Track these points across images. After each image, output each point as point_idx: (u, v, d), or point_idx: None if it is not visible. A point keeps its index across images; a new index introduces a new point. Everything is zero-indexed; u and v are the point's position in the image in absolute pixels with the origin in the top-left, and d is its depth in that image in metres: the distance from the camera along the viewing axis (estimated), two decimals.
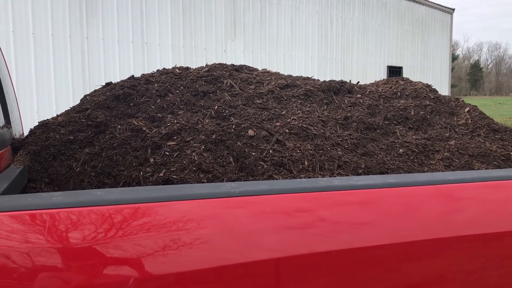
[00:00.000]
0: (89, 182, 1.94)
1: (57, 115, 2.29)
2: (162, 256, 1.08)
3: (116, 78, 2.69)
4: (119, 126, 2.12)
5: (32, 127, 2.20)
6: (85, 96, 2.41)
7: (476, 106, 2.78)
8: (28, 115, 6.37)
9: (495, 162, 2.28)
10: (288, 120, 2.25)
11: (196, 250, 1.11)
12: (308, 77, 2.89)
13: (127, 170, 1.94)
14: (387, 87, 2.86)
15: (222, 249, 1.13)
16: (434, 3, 17.09)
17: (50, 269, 1.02)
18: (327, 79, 2.82)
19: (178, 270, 1.08)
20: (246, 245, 1.16)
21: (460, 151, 2.32)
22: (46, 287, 1.00)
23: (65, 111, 2.32)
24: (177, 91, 2.40)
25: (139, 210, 1.12)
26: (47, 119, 2.22)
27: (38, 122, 2.21)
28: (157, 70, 2.66)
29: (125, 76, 2.56)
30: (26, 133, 2.23)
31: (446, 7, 17.92)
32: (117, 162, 1.97)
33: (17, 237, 1.02)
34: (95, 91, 2.44)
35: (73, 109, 2.31)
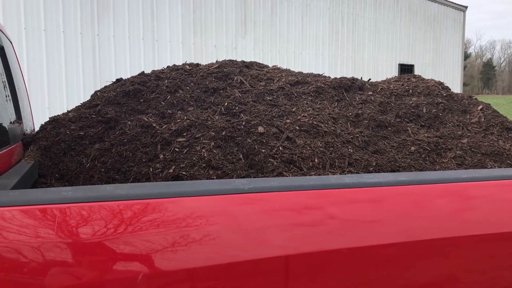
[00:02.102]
0: (99, 178, 1.94)
1: (67, 111, 2.29)
2: (171, 252, 1.07)
3: (126, 75, 2.69)
4: (129, 122, 2.12)
5: (43, 123, 2.21)
6: (96, 92, 2.42)
7: (489, 104, 2.74)
8: (39, 111, 6.42)
9: (508, 161, 2.25)
10: (299, 117, 2.24)
11: (205, 247, 1.10)
12: (319, 74, 2.87)
13: (137, 166, 1.94)
14: (399, 84, 2.83)
15: (231, 246, 1.13)
16: (446, 0, 16.92)
17: (60, 264, 1.02)
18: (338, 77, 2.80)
19: (187, 267, 1.08)
20: (255, 242, 1.15)
21: (472, 149, 2.29)
22: (56, 281, 1.00)
23: (76, 107, 2.33)
24: (187, 88, 2.40)
25: (149, 206, 1.12)
26: (58, 115, 2.24)
27: (49, 118, 2.22)
28: (167, 67, 2.66)
29: (135, 73, 2.56)
30: (37, 128, 2.24)
31: (458, 4, 17.72)
32: (127, 158, 1.98)
33: (27, 232, 1.02)
34: (105, 87, 2.45)
35: (84, 105, 2.31)
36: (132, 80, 2.41)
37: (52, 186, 1.94)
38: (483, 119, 2.55)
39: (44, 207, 1.06)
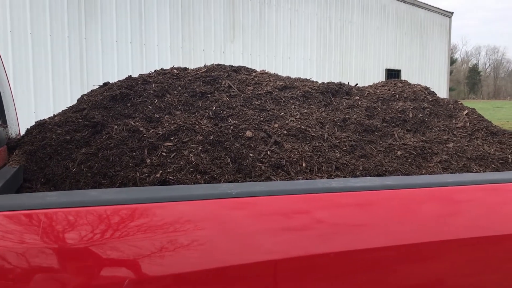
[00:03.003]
0: (85, 183, 1.93)
1: (54, 115, 2.27)
2: (158, 257, 1.07)
3: (114, 79, 2.67)
4: (116, 127, 2.11)
5: (29, 127, 2.19)
6: (82, 96, 2.40)
7: (474, 109, 2.77)
8: (26, 115, 6.35)
9: (493, 165, 2.27)
10: (286, 122, 2.24)
11: (193, 252, 1.10)
12: (306, 79, 2.88)
13: (124, 171, 1.93)
14: (386, 89, 2.86)
15: (219, 250, 1.12)
16: (433, 6, 17.14)
17: (45, 270, 1.01)
18: (326, 81, 2.82)
19: (175, 272, 1.07)
20: (243, 246, 1.15)
21: (458, 153, 2.31)
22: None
23: (62, 111, 2.31)
24: (175, 92, 2.39)
25: (136, 211, 1.11)
26: (44, 119, 2.21)
27: (35, 122, 2.20)
28: (155, 71, 2.65)
29: (123, 77, 2.55)
30: (23, 132, 2.22)
31: (445, 10, 17.97)
32: (114, 163, 1.96)
33: (11, 237, 1.01)
34: (92, 91, 2.43)
35: (70, 109, 2.29)
36: (119, 84, 2.40)
37: (38, 191, 1.92)
38: (468, 124, 2.58)
39: (29, 212, 1.05)
